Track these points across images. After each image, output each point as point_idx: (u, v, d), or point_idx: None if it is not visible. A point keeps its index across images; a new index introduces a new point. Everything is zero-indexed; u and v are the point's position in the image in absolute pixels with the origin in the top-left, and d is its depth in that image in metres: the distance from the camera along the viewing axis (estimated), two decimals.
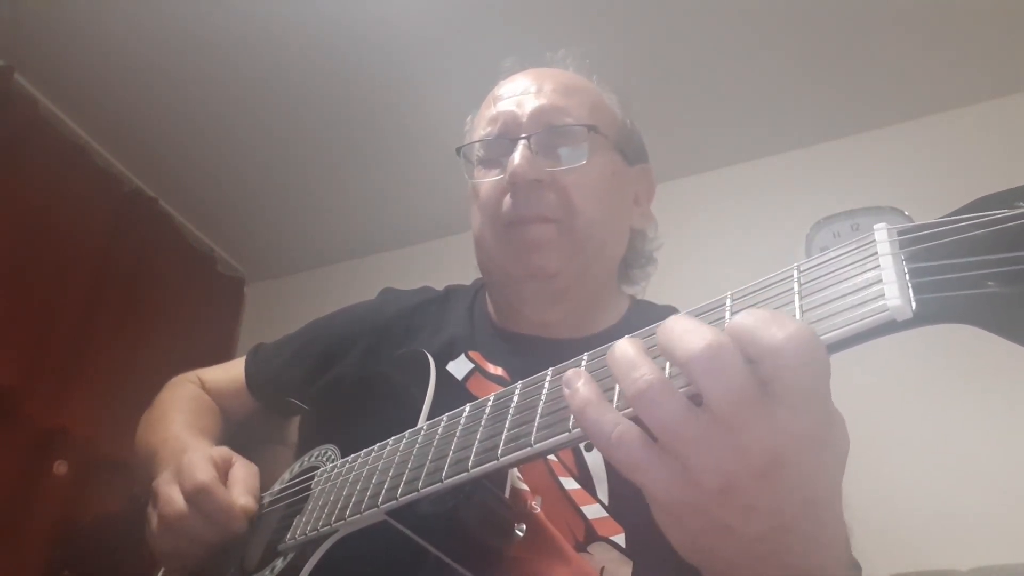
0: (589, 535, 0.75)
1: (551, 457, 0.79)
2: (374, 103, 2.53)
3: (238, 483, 0.81)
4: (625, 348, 0.45)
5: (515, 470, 0.72)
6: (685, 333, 0.42)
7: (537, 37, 2.19)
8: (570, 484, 0.78)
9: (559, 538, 0.72)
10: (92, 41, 2.39)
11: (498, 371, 0.91)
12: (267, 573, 0.75)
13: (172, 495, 0.79)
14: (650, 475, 0.44)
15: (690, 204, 2.45)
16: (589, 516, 0.76)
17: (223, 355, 2.94)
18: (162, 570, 0.96)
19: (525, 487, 0.74)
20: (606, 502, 0.77)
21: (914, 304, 0.38)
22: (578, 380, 0.47)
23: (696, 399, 0.42)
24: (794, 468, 0.42)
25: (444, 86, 2.38)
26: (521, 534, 0.65)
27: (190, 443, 0.93)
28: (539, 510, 0.72)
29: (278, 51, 2.39)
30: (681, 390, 0.42)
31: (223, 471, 0.82)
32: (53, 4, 2.28)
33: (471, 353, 0.95)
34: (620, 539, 0.75)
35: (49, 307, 2.41)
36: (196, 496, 0.78)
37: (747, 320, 0.41)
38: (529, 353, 0.92)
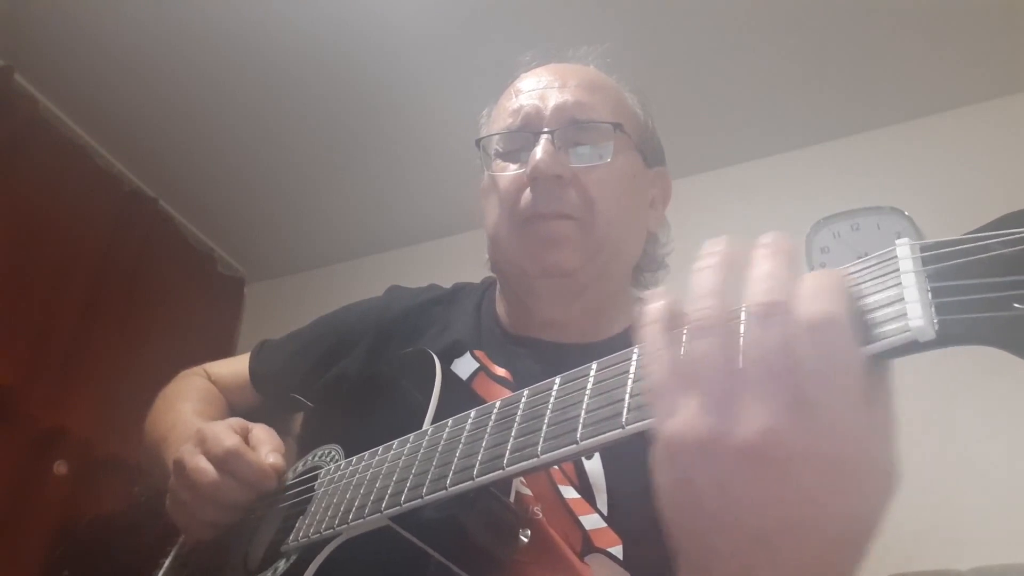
0: (586, 546, 0.74)
1: None
2: (375, 103, 2.53)
3: (263, 443, 0.82)
4: (707, 277, 0.43)
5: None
6: (763, 279, 0.40)
7: (537, 37, 2.18)
8: (569, 493, 0.76)
9: (563, 545, 0.71)
10: (92, 41, 2.39)
11: (502, 373, 0.89)
12: (269, 574, 0.75)
13: (201, 464, 0.79)
14: (663, 400, 0.42)
15: (691, 204, 2.45)
16: (587, 526, 0.75)
17: (223, 355, 2.91)
18: (173, 553, 0.96)
19: (529, 492, 0.73)
20: (605, 512, 0.75)
21: (937, 325, 0.37)
22: (658, 299, 0.46)
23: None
24: (782, 469, 0.38)
25: (445, 86, 2.38)
26: (526, 539, 0.65)
27: (201, 424, 0.93)
28: (541, 517, 0.72)
29: (278, 51, 2.39)
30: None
31: (243, 436, 0.83)
32: (53, 4, 2.27)
33: (476, 352, 0.93)
34: (618, 551, 0.73)
35: (49, 307, 2.41)
36: (227, 461, 0.78)
37: (817, 280, 0.39)
38: (535, 357, 0.91)
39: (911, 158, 2.32)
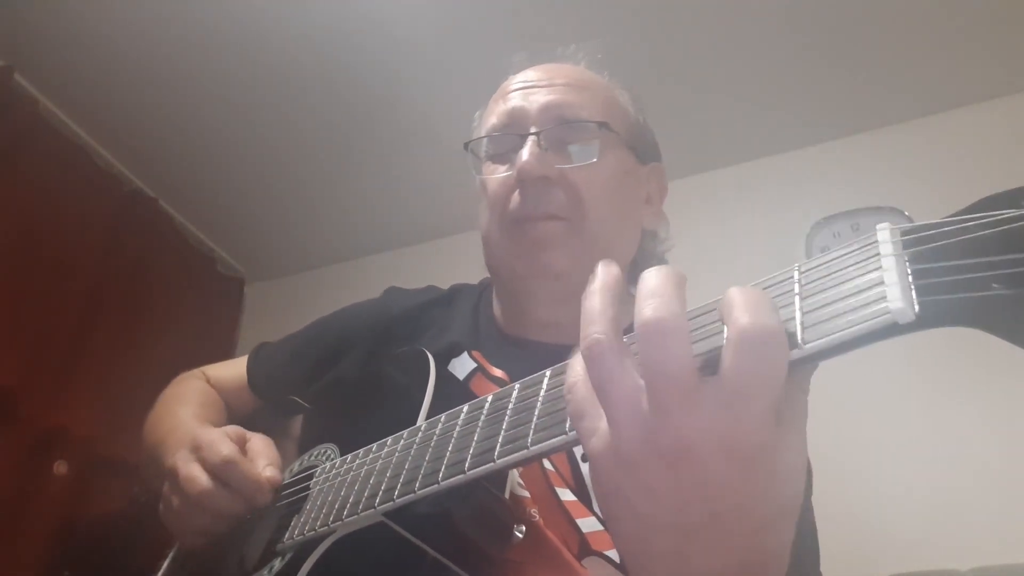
0: (583, 549, 0.73)
1: (548, 467, 0.77)
2: (374, 103, 2.53)
3: (260, 455, 0.81)
4: (592, 302, 0.43)
5: (517, 477, 0.71)
6: (648, 298, 0.40)
7: (536, 36, 2.18)
8: (566, 495, 0.76)
9: (559, 545, 0.71)
10: (92, 41, 2.39)
11: (499, 373, 0.89)
12: (265, 573, 0.75)
13: (194, 472, 0.78)
14: (582, 423, 0.43)
15: (690, 204, 2.45)
16: (584, 529, 0.74)
17: (223, 355, 2.92)
18: (171, 554, 0.95)
19: (527, 494, 0.73)
20: (601, 515, 0.75)
21: (917, 307, 0.36)
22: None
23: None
24: (700, 467, 0.39)
25: (444, 86, 2.38)
26: (521, 535, 0.64)
27: (198, 431, 0.92)
28: (538, 519, 0.71)
29: (278, 52, 2.39)
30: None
31: (240, 446, 0.82)
32: (53, 4, 2.28)
33: (474, 353, 0.93)
34: (614, 554, 0.73)
35: (49, 307, 2.42)
36: (222, 470, 0.77)
37: (735, 296, 0.40)
38: (532, 358, 0.90)
39: (911, 158, 2.32)
